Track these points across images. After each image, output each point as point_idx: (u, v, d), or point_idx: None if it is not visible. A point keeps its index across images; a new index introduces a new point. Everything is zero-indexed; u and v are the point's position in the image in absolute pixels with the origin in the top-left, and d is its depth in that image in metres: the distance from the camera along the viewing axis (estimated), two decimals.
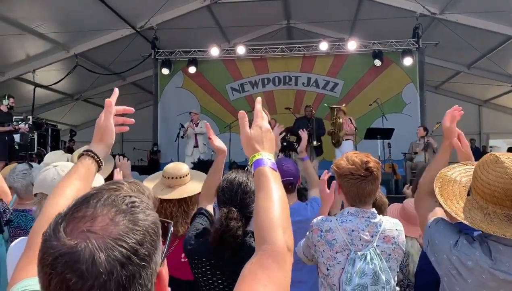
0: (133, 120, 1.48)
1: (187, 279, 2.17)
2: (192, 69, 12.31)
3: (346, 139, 9.37)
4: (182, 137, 10.25)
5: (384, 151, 9.78)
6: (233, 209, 1.84)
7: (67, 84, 12.90)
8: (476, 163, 1.58)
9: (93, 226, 0.69)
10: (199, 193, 2.41)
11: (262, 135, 1.21)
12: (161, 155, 12.20)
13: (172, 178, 2.67)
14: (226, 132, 10.81)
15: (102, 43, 11.44)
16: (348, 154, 2.10)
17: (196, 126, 10.23)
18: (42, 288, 0.70)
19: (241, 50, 11.90)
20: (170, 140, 11.31)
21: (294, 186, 2.93)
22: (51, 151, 10.09)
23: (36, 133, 9.79)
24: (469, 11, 9.94)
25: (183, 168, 2.77)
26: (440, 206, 1.63)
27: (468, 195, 1.55)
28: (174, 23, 11.41)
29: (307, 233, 2.20)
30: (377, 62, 11.66)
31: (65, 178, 1.27)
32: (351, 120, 9.42)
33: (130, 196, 0.76)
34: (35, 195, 1.96)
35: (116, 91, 1.44)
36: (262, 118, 1.25)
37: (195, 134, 10.26)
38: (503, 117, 15.72)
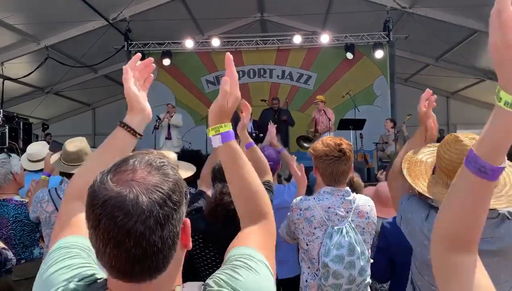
0: (153, 65, 1.38)
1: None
2: (166, 62, 12.25)
3: (323, 132, 9.57)
4: (157, 128, 10.21)
5: (356, 141, 10.03)
6: (227, 184, 1.94)
7: (38, 77, 12.63)
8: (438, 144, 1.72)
9: (135, 177, 0.84)
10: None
11: (234, 107, 1.22)
12: (136, 148, 12.11)
13: None
14: (202, 124, 10.86)
15: (73, 35, 11.24)
16: (323, 138, 2.26)
17: (171, 118, 10.21)
18: (91, 228, 0.83)
19: (215, 42, 11.92)
20: (145, 133, 11.17)
21: (274, 171, 3.09)
22: (23, 145, 9.92)
23: (7, 127, 9.58)
24: (438, 5, 10.26)
25: (171, 154, 2.90)
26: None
27: (433, 173, 1.69)
28: (148, 15, 11.32)
29: (288, 213, 2.33)
30: (349, 55, 11.90)
31: (100, 150, 1.33)
32: (325, 113, 9.63)
33: (161, 158, 0.91)
34: None
35: (138, 55, 1.34)
36: (237, 84, 1.23)
37: (169, 127, 10.22)
38: (470, 108, 16.28)
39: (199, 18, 12.30)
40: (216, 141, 1.21)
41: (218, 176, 2.06)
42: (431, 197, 1.62)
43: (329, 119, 9.63)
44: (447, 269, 0.90)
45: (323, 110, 9.75)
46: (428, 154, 1.78)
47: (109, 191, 0.81)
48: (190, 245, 0.94)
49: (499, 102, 0.79)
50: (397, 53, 12.35)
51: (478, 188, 0.85)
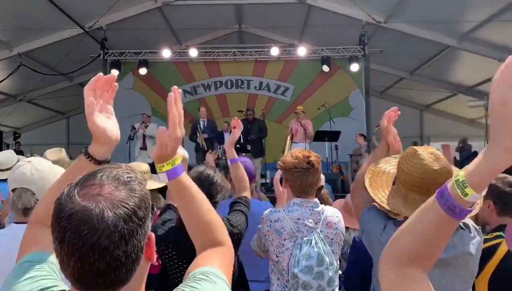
0: (114, 75, 1.32)
1: (154, 273, 2.25)
2: (143, 71, 12.18)
3: (299, 142, 9.64)
4: (132, 139, 10.07)
5: (331, 153, 10.15)
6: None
7: (10, 84, 12.35)
8: None
9: (102, 191, 0.86)
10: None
11: (175, 148, 1.21)
12: (111, 158, 11.93)
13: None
14: None
15: (48, 43, 11.06)
16: (292, 151, 2.29)
17: (146, 128, 10.10)
18: (56, 241, 0.84)
19: (193, 52, 11.93)
20: (120, 143, 11.07)
21: (250, 183, 3.11)
22: None
23: None
24: (412, 21, 10.54)
25: (143, 165, 2.93)
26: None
27: (393, 184, 1.74)
28: (124, 24, 11.26)
29: (259, 225, 2.34)
30: (325, 68, 12.09)
31: (63, 177, 1.30)
32: (301, 123, 9.71)
33: (129, 173, 0.93)
34: (14, 190, 1.99)
35: (99, 77, 1.25)
36: (178, 124, 1.21)
37: (144, 137, 10.11)
38: (442, 121, 16.70)
39: (177, 28, 12.30)
40: (162, 178, 1.23)
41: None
42: (388, 208, 1.65)
43: (305, 130, 9.72)
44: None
45: (301, 121, 9.82)
46: (392, 165, 1.82)
47: (76, 204, 0.83)
48: (154, 258, 0.96)
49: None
50: (372, 67, 12.60)
51: (443, 223, 0.87)
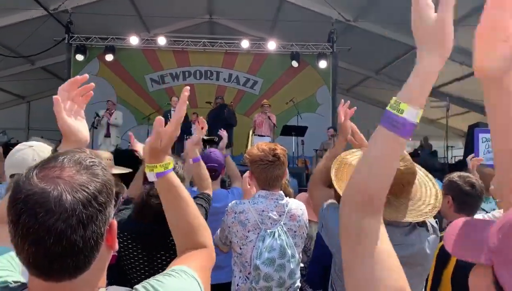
0: (93, 84, 1.31)
1: (111, 264, 2.21)
2: (109, 57, 11.89)
3: (266, 136, 9.67)
4: (96, 127, 9.82)
5: (297, 147, 10.26)
6: (155, 187, 1.95)
7: None
8: None
9: (62, 174, 0.83)
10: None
11: (168, 146, 1.20)
12: None
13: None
14: (144, 124, 10.62)
15: (9, 23, 10.59)
16: (258, 144, 2.31)
17: (111, 115, 9.87)
18: (11, 223, 0.81)
19: (162, 41, 11.74)
20: None
21: (218, 174, 3.12)
22: None
23: None
24: (380, 21, 10.74)
25: (106, 153, 2.88)
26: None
27: None
28: (91, 8, 10.93)
29: (223, 217, 2.35)
30: (294, 63, 12.18)
31: None
32: (270, 118, 9.75)
33: (92, 157, 0.90)
34: (12, 175, 1.90)
35: (76, 79, 1.26)
36: (178, 123, 1.21)
37: (108, 124, 9.88)
38: None
39: (146, 15, 12.05)
40: (151, 177, 1.21)
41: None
42: None
43: (275, 126, 9.76)
44: (353, 230, 0.94)
45: (268, 115, 9.85)
46: (357, 157, 1.85)
47: (33, 186, 0.81)
48: (116, 246, 0.94)
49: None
50: (340, 64, 12.78)
51: (391, 143, 0.89)
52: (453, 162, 10.94)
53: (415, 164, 1.74)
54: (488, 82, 0.87)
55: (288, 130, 9.96)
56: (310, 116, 11.77)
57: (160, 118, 1.21)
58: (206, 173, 2.39)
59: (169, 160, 1.22)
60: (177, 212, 1.22)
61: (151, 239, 1.99)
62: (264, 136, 9.43)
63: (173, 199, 1.22)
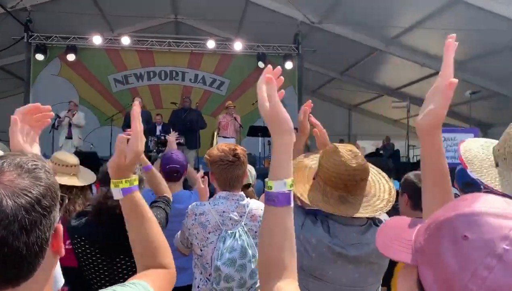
0: (52, 114, 1.31)
1: (73, 266, 2.16)
2: (70, 57, 11.59)
3: (231, 137, 9.64)
4: (56, 128, 9.51)
5: (264, 148, 10.31)
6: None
7: None
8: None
9: (2, 179, 0.79)
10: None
11: (134, 161, 1.19)
12: None
13: (63, 165, 2.64)
14: (107, 125, 10.40)
15: None
16: (218, 144, 2.30)
17: (73, 116, 9.61)
18: None
19: (125, 40, 11.54)
20: (43, 132, 10.45)
21: (180, 175, 3.09)
22: None
23: None
24: (344, 23, 10.93)
25: (71, 158, 2.78)
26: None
27: (314, 178, 1.80)
28: (51, 6, 10.60)
29: (183, 220, 2.33)
30: (261, 64, 12.22)
31: None
32: (236, 119, 9.74)
33: (34, 160, 0.86)
34: None
35: (36, 106, 1.25)
36: (139, 139, 1.20)
37: (70, 125, 9.60)
38: (368, 121, 17.56)
39: (109, 15, 11.81)
40: (116, 194, 1.18)
41: (105, 180, 2.01)
42: (307, 202, 1.72)
43: (240, 126, 9.76)
44: None
45: (235, 116, 9.83)
46: (314, 159, 1.88)
47: None
48: (62, 251, 0.91)
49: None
50: (305, 66, 12.93)
51: (275, 215, 1.01)
52: (415, 161, 11.27)
53: (368, 162, 1.79)
54: (422, 136, 1.10)
55: (254, 131, 9.98)
56: None
57: (121, 137, 1.19)
58: (160, 177, 2.38)
59: (135, 176, 1.20)
60: (140, 232, 1.20)
61: (110, 243, 1.96)
62: (229, 138, 9.41)
63: (137, 219, 1.19)
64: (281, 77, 1.06)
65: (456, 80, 1.06)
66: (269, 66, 1.06)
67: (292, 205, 1.00)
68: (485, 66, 10.81)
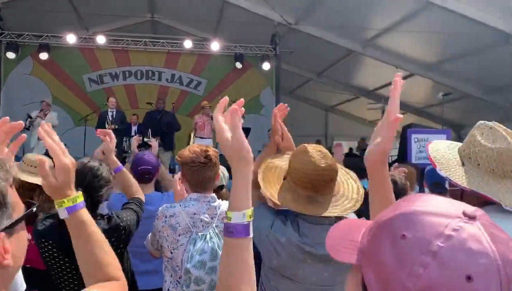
0: (21, 124, 1.23)
1: (41, 269, 2.12)
2: (43, 56, 11.32)
3: (208, 138, 9.59)
4: (28, 129, 9.26)
5: None
6: (80, 189, 1.88)
7: None
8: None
9: None
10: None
11: (69, 177, 1.17)
12: None
13: (35, 166, 2.60)
14: (81, 125, 10.21)
15: None
16: (190, 146, 2.28)
17: (45, 116, 9.38)
18: None
19: (101, 40, 11.35)
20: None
21: (152, 176, 3.05)
22: None
23: None
24: (321, 25, 11.02)
25: (47, 160, 2.72)
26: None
27: (284, 179, 1.81)
28: (23, 4, 10.35)
29: (154, 222, 2.30)
30: (238, 65, 12.22)
31: None
32: (211, 117, 9.67)
33: None
34: None
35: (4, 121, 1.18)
36: (61, 153, 1.18)
37: None
38: (345, 122, 17.75)
39: (84, 13, 11.60)
40: (62, 214, 1.16)
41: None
42: (278, 202, 1.72)
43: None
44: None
45: (211, 115, 9.78)
46: (284, 160, 1.89)
47: None
48: (6, 260, 0.86)
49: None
50: (283, 67, 12.98)
51: (235, 246, 0.99)
52: (390, 161, 11.44)
53: (336, 163, 1.81)
54: (370, 167, 1.19)
55: None
56: (254, 117, 11.85)
57: (41, 160, 1.16)
58: (131, 179, 2.36)
59: (77, 194, 1.17)
60: (87, 251, 1.18)
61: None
62: (206, 138, 9.36)
63: (83, 238, 1.17)
64: (242, 108, 1.04)
65: (401, 116, 1.12)
66: (226, 97, 1.05)
67: (251, 235, 0.99)
68: (457, 68, 11.06)
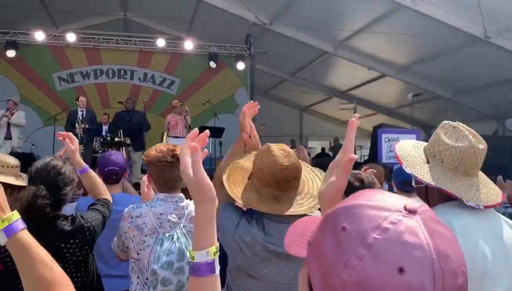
0: None
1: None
2: (11, 53, 11.00)
3: (182, 137, 9.48)
4: None
5: (215, 149, 10.25)
6: (42, 187, 1.86)
7: None
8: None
9: None
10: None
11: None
12: None
13: (3, 166, 2.53)
14: (51, 125, 9.94)
15: None
16: (157, 145, 2.24)
17: (12, 115, 9.10)
18: None
19: (71, 37, 11.11)
20: None
21: (119, 177, 3.00)
22: None
23: None
24: (294, 25, 11.08)
25: (13, 160, 2.67)
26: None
27: (249, 179, 1.80)
28: None
29: (119, 223, 2.25)
30: (212, 64, 12.16)
31: None
32: (185, 118, 9.59)
33: None
34: None
35: None
36: None
37: (8, 125, 9.08)
38: (319, 122, 17.93)
39: (54, 10, 11.33)
40: (1, 239, 1.10)
41: (34, 178, 1.92)
42: (241, 202, 1.71)
43: (189, 127, 9.64)
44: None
45: (184, 115, 9.68)
46: (250, 160, 1.88)
47: None
48: None
49: None
50: (257, 67, 12.99)
51: (199, 285, 0.98)
52: (362, 161, 11.61)
53: (301, 161, 1.81)
54: (323, 205, 1.18)
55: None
56: (229, 117, 11.80)
57: None
58: (98, 180, 2.31)
59: (12, 213, 1.12)
60: (32, 275, 1.12)
61: None
62: (180, 137, 9.26)
63: (27, 262, 1.11)
64: (207, 139, 1.03)
65: (356, 156, 1.13)
66: (196, 130, 1.02)
67: (217, 272, 0.98)
68: (427, 70, 11.32)
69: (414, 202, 0.64)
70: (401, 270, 0.56)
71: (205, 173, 0.97)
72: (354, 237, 0.60)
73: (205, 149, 1.03)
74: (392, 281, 0.56)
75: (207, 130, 1.04)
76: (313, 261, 0.65)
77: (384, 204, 0.63)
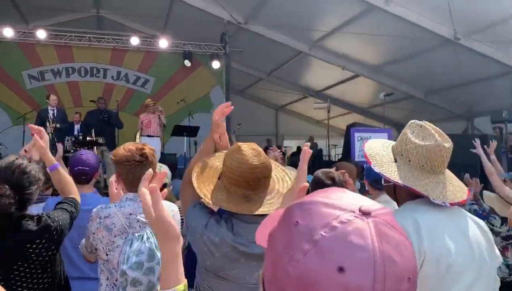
0: None
1: None
2: None
3: (156, 136, 9.38)
4: None
5: (190, 148, 10.18)
6: (6, 186, 1.80)
7: None
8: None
9: None
10: None
11: None
12: None
13: None
14: (20, 124, 9.68)
15: None
16: (125, 144, 2.20)
17: None
18: None
19: (41, 34, 10.82)
20: None
21: (90, 177, 2.94)
22: None
23: None
24: (269, 25, 11.10)
25: None
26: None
27: (219, 178, 1.79)
28: None
29: (87, 224, 2.21)
30: (187, 63, 12.06)
31: None
32: (159, 117, 9.48)
33: None
34: None
35: None
36: None
37: None
38: (294, 121, 18.04)
39: (23, 6, 11.02)
40: None
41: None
42: (210, 202, 1.70)
43: (164, 126, 9.54)
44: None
45: (158, 114, 9.56)
46: (220, 159, 1.87)
47: None
48: None
49: None
50: (233, 66, 12.96)
51: None
52: (336, 160, 11.74)
53: (272, 161, 1.81)
54: None
55: (179, 131, 9.81)
56: (204, 116, 11.70)
57: None
58: (67, 177, 2.25)
59: None
60: None
61: (3, 250, 1.80)
62: (154, 136, 9.15)
63: None
64: (165, 179, 1.05)
65: (307, 185, 1.15)
66: (150, 170, 1.02)
67: None
68: (399, 70, 11.53)
69: (374, 204, 0.64)
70: (341, 269, 0.57)
71: (166, 211, 0.98)
72: (303, 232, 0.61)
73: (164, 190, 1.04)
74: (331, 279, 0.57)
75: (165, 170, 1.04)
76: (268, 254, 0.67)
77: (339, 203, 0.63)
